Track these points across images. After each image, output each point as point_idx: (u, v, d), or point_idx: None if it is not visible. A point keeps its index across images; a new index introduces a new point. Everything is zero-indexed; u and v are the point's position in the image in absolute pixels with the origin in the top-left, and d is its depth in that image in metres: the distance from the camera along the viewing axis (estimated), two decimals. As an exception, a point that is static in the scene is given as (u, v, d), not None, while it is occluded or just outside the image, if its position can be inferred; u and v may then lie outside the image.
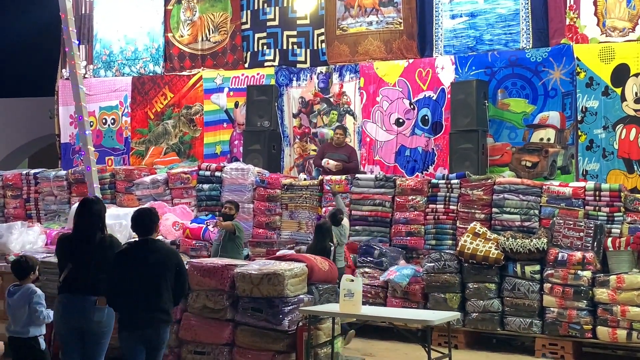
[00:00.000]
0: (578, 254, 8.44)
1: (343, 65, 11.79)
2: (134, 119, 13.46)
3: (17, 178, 12.66)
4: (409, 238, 9.78)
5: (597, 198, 8.92)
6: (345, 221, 9.34)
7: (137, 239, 5.73)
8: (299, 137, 12.07)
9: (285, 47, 12.33)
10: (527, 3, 10.52)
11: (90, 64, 13.94)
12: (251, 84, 12.28)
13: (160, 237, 9.99)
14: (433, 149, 11.00)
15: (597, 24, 10.05)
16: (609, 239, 8.56)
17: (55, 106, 14.18)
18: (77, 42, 11.80)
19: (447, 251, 9.22)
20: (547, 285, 8.52)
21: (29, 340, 6.17)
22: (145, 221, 5.64)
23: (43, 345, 6.28)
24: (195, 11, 13.06)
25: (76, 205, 10.02)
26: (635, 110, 9.75)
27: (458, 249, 9.03)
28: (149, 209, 5.98)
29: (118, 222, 9.21)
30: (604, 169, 9.84)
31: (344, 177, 10.34)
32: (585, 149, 9.99)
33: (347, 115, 11.71)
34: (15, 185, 12.63)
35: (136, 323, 5.46)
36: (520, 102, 10.51)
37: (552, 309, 8.47)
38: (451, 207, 9.65)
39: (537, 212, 9.20)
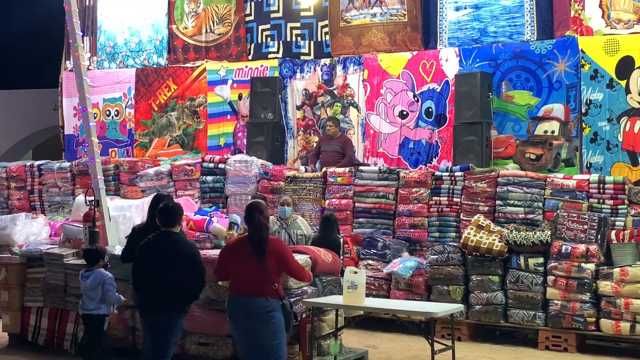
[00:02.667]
0: (582, 247, 8.44)
1: (347, 57, 11.77)
2: (137, 111, 13.47)
3: (21, 169, 12.66)
4: (412, 230, 9.79)
5: (601, 191, 8.91)
6: None
7: (158, 231, 6.01)
8: (302, 129, 12.06)
9: (289, 39, 12.31)
10: (532, -5, 10.51)
11: (94, 56, 13.94)
12: (255, 76, 12.27)
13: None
14: (437, 141, 10.99)
15: (602, 16, 10.02)
16: (613, 232, 8.56)
17: (59, 98, 14.18)
18: (81, 34, 11.78)
19: (450, 243, 9.23)
20: (550, 278, 8.52)
21: (99, 317, 6.93)
22: (170, 214, 5.97)
23: (106, 326, 7.01)
24: (199, 3, 13.04)
25: (81, 196, 10.05)
26: (640, 103, 9.75)
27: (461, 241, 9.02)
28: (175, 203, 6.24)
29: (122, 213, 9.17)
30: (608, 162, 9.82)
31: (347, 169, 10.34)
32: (589, 141, 9.97)
33: (350, 107, 11.70)
34: (20, 176, 12.63)
35: (148, 310, 5.83)
36: (524, 94, 10.48)
37: (555, 301, 8.47)
38: (455, 199, 9.64)
39: (540, 204, 9.19)
